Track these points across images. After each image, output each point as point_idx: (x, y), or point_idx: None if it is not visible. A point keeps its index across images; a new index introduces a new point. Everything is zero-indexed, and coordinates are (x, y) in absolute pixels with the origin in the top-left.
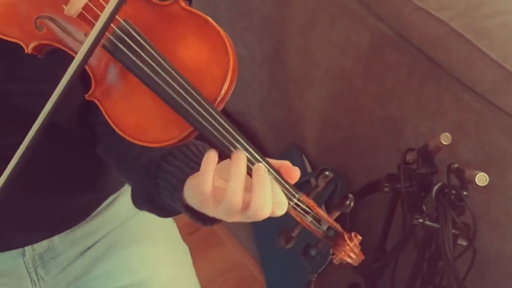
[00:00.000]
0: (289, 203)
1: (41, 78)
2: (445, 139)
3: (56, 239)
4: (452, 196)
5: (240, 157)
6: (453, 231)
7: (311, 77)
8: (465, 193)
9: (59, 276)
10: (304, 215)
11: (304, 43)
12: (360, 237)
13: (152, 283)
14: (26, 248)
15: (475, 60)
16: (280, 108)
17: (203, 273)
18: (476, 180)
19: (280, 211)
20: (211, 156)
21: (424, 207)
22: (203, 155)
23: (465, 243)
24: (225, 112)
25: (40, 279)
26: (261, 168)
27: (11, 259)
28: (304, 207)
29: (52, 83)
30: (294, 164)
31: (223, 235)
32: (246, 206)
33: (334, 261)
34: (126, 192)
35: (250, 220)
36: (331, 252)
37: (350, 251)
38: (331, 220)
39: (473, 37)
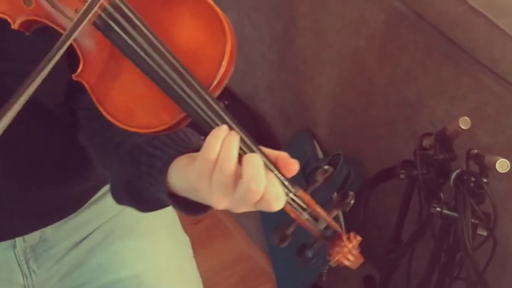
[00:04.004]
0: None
1: (31, 58)
2: (464, 123)
3: (48, 230)
4: (472, 184)
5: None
6: (473, 220)
7: (323, 58)
8: (485, 180)
9: (52, 269)
10: (300, 212)
11: (315, 22)
12: (359, 238)
13: (148, 276)
14: (17, 239)
15: (496, 40)
16: (290, 90)
17: (208, 265)
18: (496, 167)
19: (277, 205)
20: (224, 127)
21: (442, 195)
22: (191, 141)
23: (485, 233)
24: (231, 94)
25: (32, 272)
26: (253, 154)
27: (1, 251)
28: (301, 203)
29: None
30: (304, 150)
31: (230, 225)
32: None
33: (331, 263)
34: None
35: (241, 209)
36: (328, 253)
37: (348, 253)
38: (329, 219)
39: (493, 16)
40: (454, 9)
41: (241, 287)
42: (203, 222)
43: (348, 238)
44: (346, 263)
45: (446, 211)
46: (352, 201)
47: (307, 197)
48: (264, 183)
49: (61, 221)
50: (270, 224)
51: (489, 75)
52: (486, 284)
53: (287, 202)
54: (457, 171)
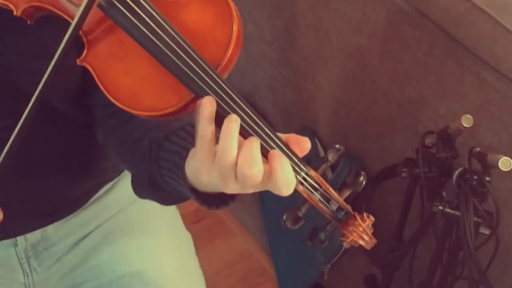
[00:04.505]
0: (296, 177)
1: (35, 52)
2: (467, 121)
3: (50, 228)
4: (474, 182)
5: (233, 118)
6: (475, 219)
7: (324, 56)
8: (487, 178)
9: (52, 267)
10: (312, 192)
11: (316, 20)
12: (373, 218)
13: (151, 273)
14: (18, 238)
15: (499, 37)
16: (291, 88)
17: (208, 264)
18: (499, 165)
19: (286, 190)
20: (209, 99)
21: (444, 194)
22: None
23: (487, 232)
24: None
25: (32, 270)
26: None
27: (2, 249)
28: (312, 182)
29: (46, 59)
30: None
31: (231, 223)
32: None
33: (345, 244)
34: (124, 179)
35: (249, 191)
36: (341, 233)
37: (363, 233)
38: (341, 199)
39: (496, 13)
40: (457, 6)
41: (241, 286)
42: (204, 221)
43: (362, 218)
44: (361, 242)
45: (448, 210)
46: (364, 181)
47: (319, 177)
48: (258, 166)
49: (62, 220)
50: (272, 223)
51: (492, 73)
52: (489, 283)
53: (299, 182)
54: (460, 169)
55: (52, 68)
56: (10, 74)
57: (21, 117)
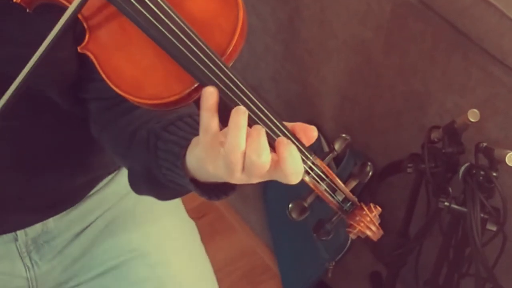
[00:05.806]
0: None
1: (33, 44)
2: (473, 115)
3: (50, 222)
4: (481, 178)
5: (241, 111)
6: (482, 215)
7: (328, 49)
8: (494, 174)
9: (54, 260)
10: (318, 182)
11: (320, 12)
12: (380, 209)
13: (155, 255)
14: (18, 232)
15: (506, 31)
16: (294, 82)
17: (211, 260)
18: (506, 160)
19: (294, 179)
20: (210, 90)
21: (450, 189)
22: None
23: (494, 228)
24: None
25: (34, 264)
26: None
27: (2, 244)
28: (319, 172)
29: None
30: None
31: (233, 219)
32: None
33: (351, 235)
34: (124, 170)
35: (255, 180)
36: (348, 224)
37: (370, 223)
38: (347, 190)
39: (503, 5)
40: None
41: (244, 283)
42: (206, 217)
43: (369, 208)
44: (368, 233)
45: (454, 206)
46: (371, 172)
47: (325, 167)
48: (267, 154)
49: (63, 213)
50: (276, 219)
51: (499, 67)
52: (496, 280)
53: (305, 171)
54: (466, 165)
55: (46, 48)
56: (8, 67)
57: (20, 113)
